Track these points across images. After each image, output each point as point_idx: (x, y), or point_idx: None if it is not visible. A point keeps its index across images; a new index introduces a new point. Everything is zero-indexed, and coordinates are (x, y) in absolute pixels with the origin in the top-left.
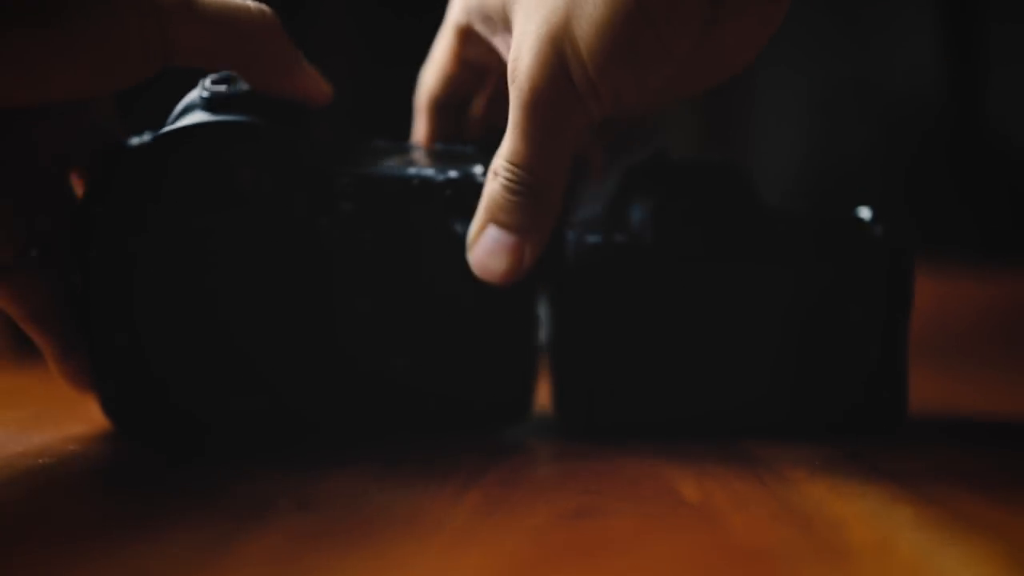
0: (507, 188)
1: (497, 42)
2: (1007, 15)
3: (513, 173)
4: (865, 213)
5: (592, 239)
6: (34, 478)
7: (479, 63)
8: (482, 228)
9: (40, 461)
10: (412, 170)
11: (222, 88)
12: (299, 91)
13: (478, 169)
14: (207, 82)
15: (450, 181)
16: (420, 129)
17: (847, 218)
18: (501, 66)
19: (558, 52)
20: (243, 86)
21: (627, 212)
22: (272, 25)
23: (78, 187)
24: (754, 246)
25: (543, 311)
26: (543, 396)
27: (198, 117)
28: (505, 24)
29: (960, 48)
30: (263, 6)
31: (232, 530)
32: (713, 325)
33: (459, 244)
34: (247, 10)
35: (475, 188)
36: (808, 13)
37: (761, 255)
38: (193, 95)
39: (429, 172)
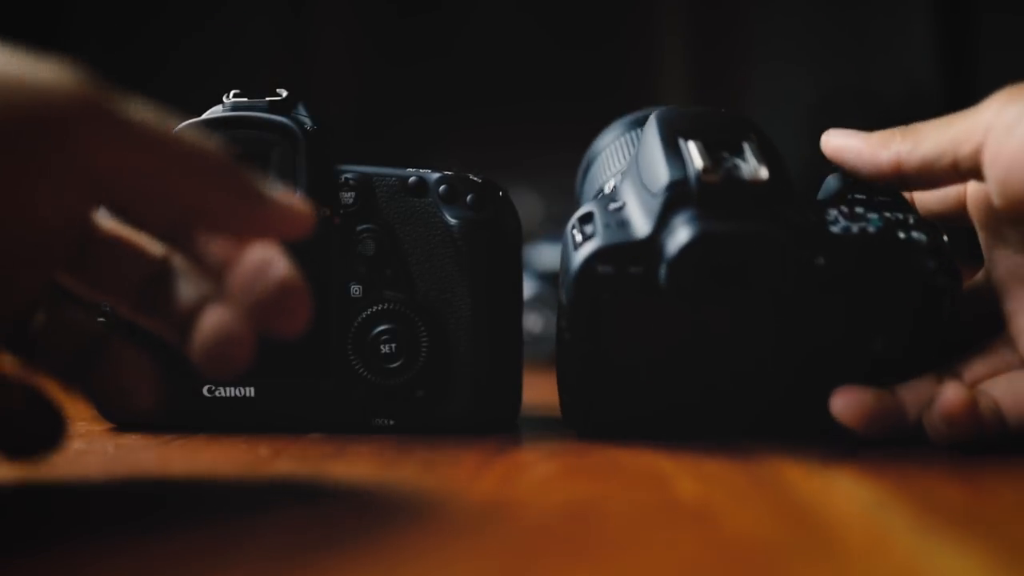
0: None
1: None
2: (1000, 9)
3: None
4: (919, 236)
5: (604, 269)
6: (40, 475)
7: None
8: None
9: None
10: (410, 170)
11: (244, 100)
12: (265, 233)
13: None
14: (230, 94)
15: (444, 177)
16: None
17: (896, 247)
18: None
19: None
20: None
21: (656, 240)
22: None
23: None
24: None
25: (545, 316)
26: (543, 396)
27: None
28: None
29: (954, 47)
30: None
31: (236, 527)
32: (723, 347)
33: (450, 234)
34: (193, 140)
35: (466, 184)
36: (807, 14)
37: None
38: (215, 108)
39: (425, 171)
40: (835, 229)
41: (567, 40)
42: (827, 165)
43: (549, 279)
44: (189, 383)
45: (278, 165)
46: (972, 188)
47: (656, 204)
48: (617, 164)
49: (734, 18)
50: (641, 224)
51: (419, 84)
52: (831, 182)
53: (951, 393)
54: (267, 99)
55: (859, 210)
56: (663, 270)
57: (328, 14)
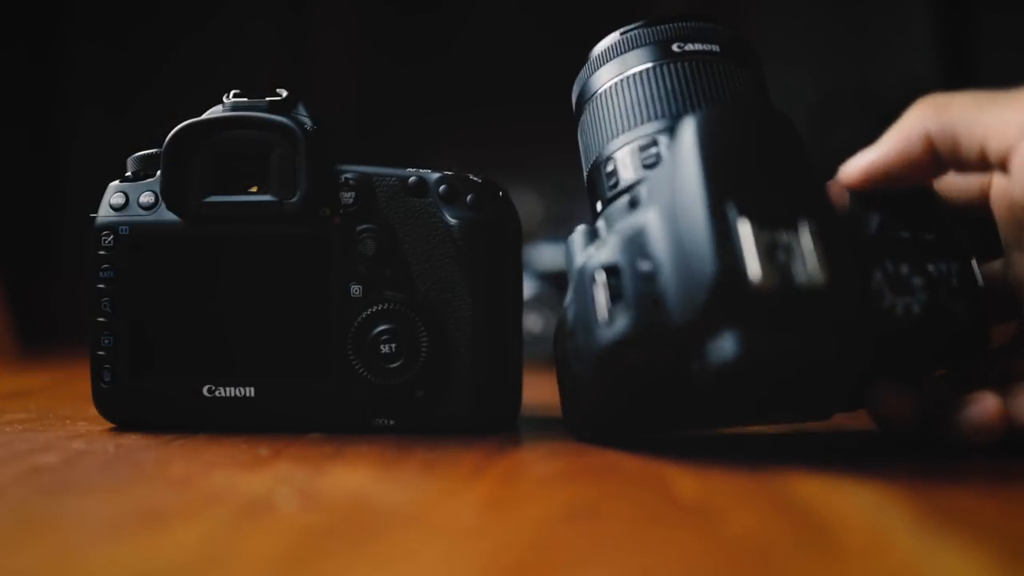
0: None
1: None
2: (1000, 9)
3: None
4: (960, 308)
5: (634, 355)
6: (40, 475)
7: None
8: None
9: (46, 459)
10: (410, 170)
11: (244, 100)
12: None
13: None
14: (230, 94)
15: (444, 177)
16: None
17: (940, 327)
18: None
19: None
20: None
21: (695, 336)
22: None
23: None
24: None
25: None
26: (543, 396)
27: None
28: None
29: (954, 47)
30: None
31: (236, 529)
32: None
33: (450, 234)
34: None
35: (466, 184)
36: (807, 13)
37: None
38: (215, 108)
39: (425, 171)
40: (879, 305)
41: (567, 40)
42: (828, 167)
43: (549, 279)
44: (189, 383)
45: (278, 165)
46: (997, 181)
47: (699, 297)
48: (629, 115)
49: (734, 18)
50: (679, 309)
51: (419, 84)
52: (855, 204)
53: (990, 404)
54: (267, 99)
55: (904, 270)
56: (701, 375)
57: (328, 14)
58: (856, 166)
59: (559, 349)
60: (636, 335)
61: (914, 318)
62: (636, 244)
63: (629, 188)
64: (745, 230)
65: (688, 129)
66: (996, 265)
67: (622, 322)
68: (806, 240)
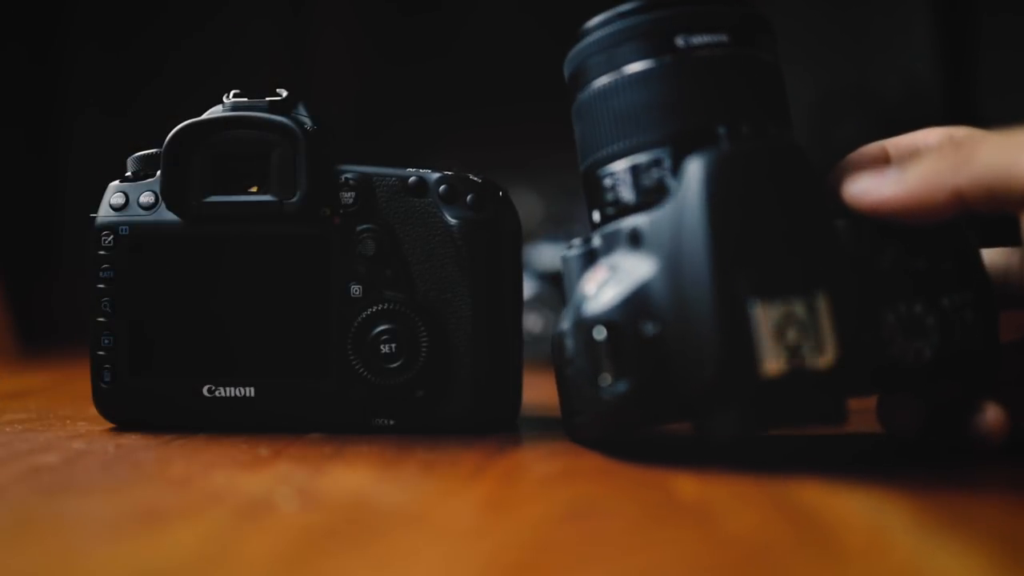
0: None
1: None
2: (1000, 9)
3: None
4: (975, 346)
5: (634, 414)
6: (40, 475)
7: None
8: None
9: (46, 459)
10: (410, 170)
11: (244, 100)
12: None
13: None
14: (230, 94)
15: (444, 177)
16: None
17: (953, 372)
18: None
19: None
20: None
21: (698, 405)
22: None
23: None
24: None
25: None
26: (542, 396)
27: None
28: None
29: (954, 47)
30: None
31: (236, 529)
32: None
33: (450, 234)
34: None
35: (466, 184)
36: (807, 13)
37: None
38: (215, 108)
39: (425, 171)
40: (890, 351)
41: (568, 40)
42: (827, 167)
43: (549, 279)
44: (189, 383)
45: (278, 165)
46: None
47: (704, 375)
48: (628, 121)
49: None
50: (681, 379)
51: (419, 84)
52: (870, 231)
53: (992, 415)
54: (267, 99)
55: (917, 309)
56: (702, 432)
57: (328, 14)
58: (867, 198)
59: (557, 358)
60: (636, 398)
61: (924, 360)
62: (638, 300)
63: (628, 210)
64: (755, 312)
65: (695, 175)
66: (1015, 257)
67: (623, 386)
68: (819, 315)
